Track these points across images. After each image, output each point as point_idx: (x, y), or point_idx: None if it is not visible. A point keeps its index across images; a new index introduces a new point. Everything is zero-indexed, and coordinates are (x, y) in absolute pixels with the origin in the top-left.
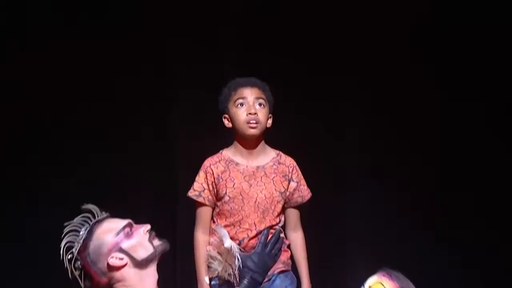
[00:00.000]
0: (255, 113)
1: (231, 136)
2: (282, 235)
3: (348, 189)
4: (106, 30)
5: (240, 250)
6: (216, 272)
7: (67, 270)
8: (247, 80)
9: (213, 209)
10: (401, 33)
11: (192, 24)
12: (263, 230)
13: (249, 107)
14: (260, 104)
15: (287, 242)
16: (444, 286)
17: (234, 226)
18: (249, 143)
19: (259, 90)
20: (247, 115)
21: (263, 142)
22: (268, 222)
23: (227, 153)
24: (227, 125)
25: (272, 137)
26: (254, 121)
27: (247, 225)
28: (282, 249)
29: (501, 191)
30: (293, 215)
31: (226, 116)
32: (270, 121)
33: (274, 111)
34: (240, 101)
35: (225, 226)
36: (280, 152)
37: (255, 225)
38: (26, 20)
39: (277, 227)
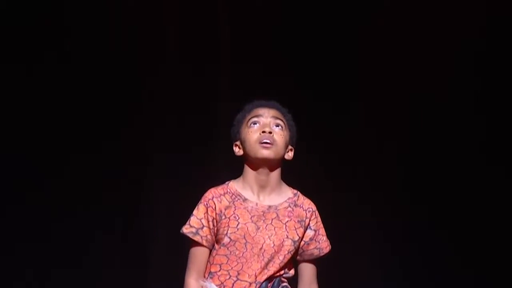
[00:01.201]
0: (270, 132)
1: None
2: (284, 284)
3: None
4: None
5: None
6: None
7: None
8: (267, 101)
9: (211, 251)
10: None
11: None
12: (263, 282)
13: (263, 125)
14: (277, 126)
15: None
16: None
17: (230, 277)
18: (262, 175)
19: (278, 112)
20: (260, 134)
21: (279, 177)
22: (271, 273)
23: (234, 185)
24: (237, 153)
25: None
26: (268, 141)
27: (247, 276)
28: None
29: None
30: (308, 271)
31: (237, 142)
32: (290, 154)
33: (297, 148)
34: (254, 119)
35: (219, 276)
36: (298, 192)
37: (256, 277)
38: None
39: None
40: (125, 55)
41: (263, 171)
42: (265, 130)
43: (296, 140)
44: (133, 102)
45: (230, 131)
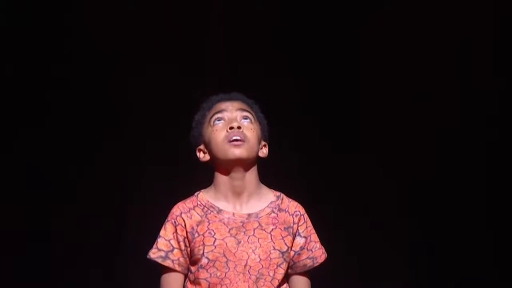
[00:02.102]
0: (239, 127)
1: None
2: None
3: None
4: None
5: None
6: None
7: None
8: (228, 94)
9: (186, 275)
10: None
11: None
12: None
13: (229, 120)
14: (246, 118)
15: None
16: None
17: None
18: (236, 180)
19: (243, 103)
20: (227, 131)
21: (256, 178)
22: None
23: (204, 196)
24: (202, 159)
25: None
26: (238, 137)
27: None
28: None
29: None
30: (301, 285)
31: (201, 147)
32: (265, 150)
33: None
34: (218, 115)
35: None
36: (282, 195)
37: None
38: None
39: None
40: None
41: (236, 174)
42: (233, 125)
43: (268, 133)
44: (119, 108)
45: (190, 136)
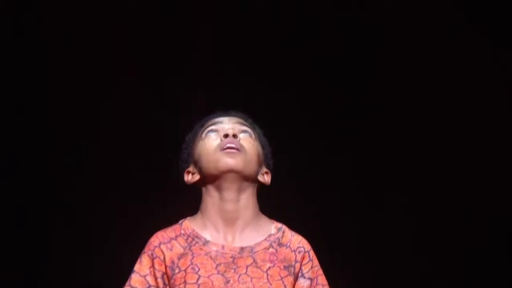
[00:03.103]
0: (235, 135)
1: None
2: None
3: None
4: None
5: None
6: None
7: None
8: (226, 112)
9: None
10: None
11: None
12: None
13: (224, 130)
14: (245, 132)
15: None
16: None
17: None
18: (228, 203)
19: (243, 120)
20: (221, 139)
21: (254, 204)
22: None
23: (190, 224)
24: (190, 181)
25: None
26: (233, 145)
27: None
28: None
29: None
30: None
31: (190, 168)
32: (267, 178)
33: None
34: (211, 127)
35: None
36: (284, 227)
37: None
38: None
39: None
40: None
41: (228, 195)
42: (228, 133)
43: (272, 163)
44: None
45: (179, 160)
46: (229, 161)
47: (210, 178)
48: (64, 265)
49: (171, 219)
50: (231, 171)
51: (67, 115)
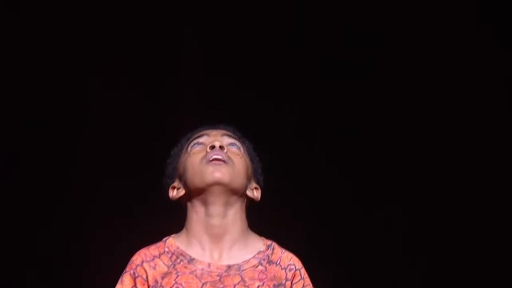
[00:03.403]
0: (221, 147)
1: None
2: None
3: None
4: None
5: None
6: None
7: None
8: (213, 125)
9: None
10: None
11: None
12: None
13: (210, 142)
14: (233, 145)
15: None
16: None
17: None
18: (214, 218)
19: (232, 133)
20: (206, 151)
21: (242, 220)
22: None
23: (174, 241)
24: (174, 196)
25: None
26: (220, 156)
27: None
28: None
29: None
30: None
31: (175, 183)
32: (257, 193)
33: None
34: (197, 140)
35: None
36: (274, 244)
37: None
38: None
39: None
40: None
41: (215, 209)
42: (214, 144)
43: (263, 179)
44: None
45: (164, 175)
46: (216, 173)
47: (196, 192)
48: (45, 280)
49: (154, 236)
50: (217, 183)
51: (45, 127)
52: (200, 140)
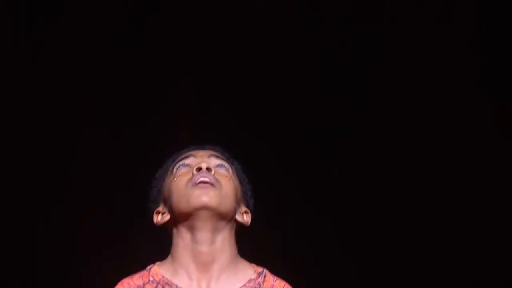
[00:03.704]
0: (208, 169)
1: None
2: None
3: None
4: None
5: None
6: None
7: None
8: (201, 145)
9: None
10: None
11: None
12: None
13: (197, 163)
14: (221, 166)
15: None
16: None
17: None
18: (201, 244)
19: (220, 154)
20: (192, 173)
21: (232, 249)
22: None
23: (159, 270)
24: (159, 222)
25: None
26: (207, 179)
27: None
28: None
29: None
30: None
31: (159, 208)
32: (246, 217)
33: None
34: (183, 161)
35: None
36: (266, 271)
37: None
38: None
39: None
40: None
41: (202, 235)
42: (201, 166)
43: (253, 202)
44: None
45: (147, 199)
46: (203, 197)
47: (182, 217)
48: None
49: (137, 264)
50: (204, 208)
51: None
52: (186, 161)
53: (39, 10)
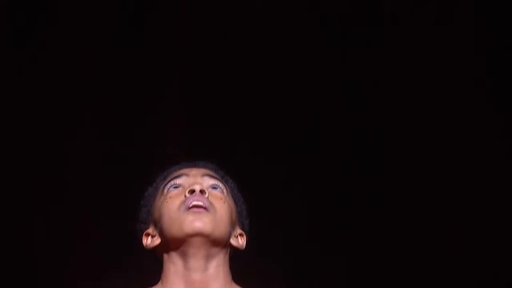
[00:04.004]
0: (203, 191)
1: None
2: None
3: None
4: None
5: None
6: None
7: None
8: (193, 162)
9: None
10: None
11: None
12: None
13: (190, 184)
14: (215, 188)
15: None
16: None
17: None
18: (194, 272)
19: (214, 172)
20: (185, 196)
21: (227, 275)
22: None
23: None
24: (149, 245)
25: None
26: (201, 203)
27: None
28: None
29: None
30: None
31: (149, 230)
32: (241, 241)
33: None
34: (174, 181)
35: None
36: None
37: None
38: None
39: None
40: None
41: (195, 262)
42: (194, 188)
43: (249, 223)
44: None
45: (136, 219)
46: (196, 223)
47: (173, 243)
48: None
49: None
50: (197, 235)
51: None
52: (178, 181)
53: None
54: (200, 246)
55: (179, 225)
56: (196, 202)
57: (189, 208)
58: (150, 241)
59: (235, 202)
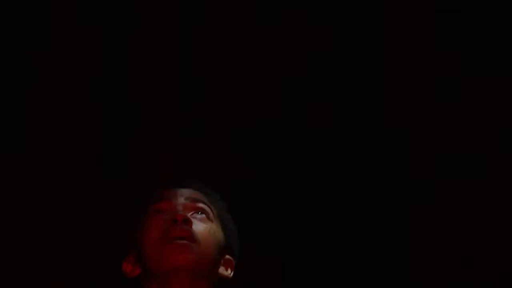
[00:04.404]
0: (186, 218)
1: None
2: None
3: None
4: None
5: None
6: None
7: None
8: (177, 181)
9: None
10: None
11: None
12: None
13: (172, 211)
14: (200, 212)
15: None
16: None
17: None
18: None
19: (199, 193)
20: (168, 225)
21: None
22: None
23: None
24: (129, 274)
25: None
26: (184, 232)
27: None
28: None
29: None
30: None
31: (129, 258)
32: (229, 270)
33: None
34: (158, 206)
35: None
36: None
37: None
38: None
39: None
40: None
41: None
42: (176, 218)
43: (238, 248)
44: None
45: (117, 245)
46: (178, 256)
47: (154, 274)
48: None
49: None
50: (180, 269)
51: None
52: (160, 205)
53: None
54: (183, 279)
55: (160, 258)
56: (178, 234)
57: (171, 240)
58: (131, 269)
59: (223, 225)
